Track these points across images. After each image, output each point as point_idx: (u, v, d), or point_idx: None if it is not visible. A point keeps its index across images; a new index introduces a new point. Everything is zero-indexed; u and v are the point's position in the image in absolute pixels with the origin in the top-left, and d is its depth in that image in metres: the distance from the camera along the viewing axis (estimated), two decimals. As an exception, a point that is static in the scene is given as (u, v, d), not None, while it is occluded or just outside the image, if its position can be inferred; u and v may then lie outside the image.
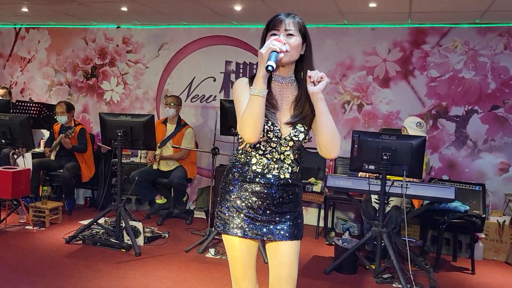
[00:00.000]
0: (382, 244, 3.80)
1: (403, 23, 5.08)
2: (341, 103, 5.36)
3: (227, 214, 1.93)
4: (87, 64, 6.36)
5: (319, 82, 1.79)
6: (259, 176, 1.90)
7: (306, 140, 1.92)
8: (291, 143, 1.88)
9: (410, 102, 5.13)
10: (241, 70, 5.72)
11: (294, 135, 1.87)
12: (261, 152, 1.90)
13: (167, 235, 4.65)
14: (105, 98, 6.29)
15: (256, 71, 1.78)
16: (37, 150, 5.77)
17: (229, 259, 1.98)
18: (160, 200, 5.39)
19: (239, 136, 1.88)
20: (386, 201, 4.19)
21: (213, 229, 4.39)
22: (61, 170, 5.32)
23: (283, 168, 1.91)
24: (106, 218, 4.71)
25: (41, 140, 6.02)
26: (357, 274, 3.92)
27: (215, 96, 5.79)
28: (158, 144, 5.18)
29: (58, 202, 5.06)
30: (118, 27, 6.19)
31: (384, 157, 3.68)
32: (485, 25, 4.85)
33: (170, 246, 4.38)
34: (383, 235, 3.72)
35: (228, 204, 1.94)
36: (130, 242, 4.17)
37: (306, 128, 1.90)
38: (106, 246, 4.20)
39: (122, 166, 4.58)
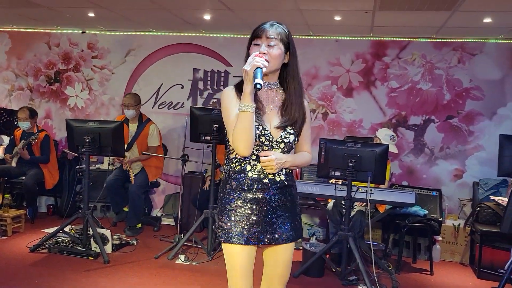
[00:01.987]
0: (348, 248, 3.96)
1: (365, 36, 5.31)
2: (307, 111, 5.52)
3: (229, 224, 1.95)
4: (50, 69, 6.23)
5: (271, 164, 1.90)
6: (256, 182, 1.95)
7: (296, 142, 2.01)
8: (282, 145, 1.96)
9: (372, 111, 5.36)
10: (209, 78, 5.78)
11: (285, 137, 1.96)
12: (254, 158, 1.96)
13: (135, 242, 4.63)
14: (69, 104, 6.18)
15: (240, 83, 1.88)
16: (-4, 157, 5.59)
17: (228, 266, 1.99)
18: (127, 208, 5.33)
19: (230, 147, 1.97)
20: (351, 206, 4.37)
21: (182, 235, 4.42)
22: (23, 177, 5.17)
23: (278, 171, 1.97)
24: (71, 226, 4.62)
25: (1, 147, 5.83)
26: (324, 277, 4.05)
27: (183, 103, 5.82)
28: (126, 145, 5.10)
29: (21, 210, 4.92)
30: (83, 32, 6.11)
31: (350, 164, 3.84)
32: (441, 40, 5.16)
33: (139, 253, 4.36)
34: (349, 238, 3.88)
35: (229, 214, 1.96)
36: (98, 250, 4.13)
37: (296, 130, 1.99)
38: (73, 254, 4.13)
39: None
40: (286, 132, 1.96)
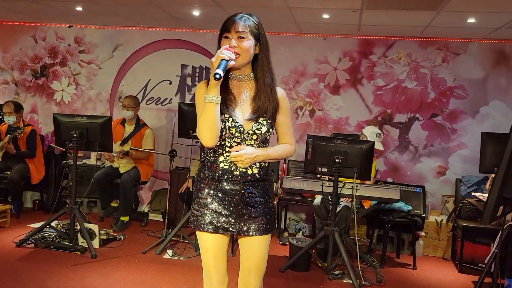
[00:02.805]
0: (334, 242, 4.02)
1: (352, 34, 5.38)
2: (294, 108, 5.58)
3: (199, 211, 2.02)
4: (36, 63, 6.17)
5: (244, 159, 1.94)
6: (227, 173, 1.98)
7: (270, 133, 2.02)
8: (254, 137, 1.98)
9: (358, 109, 5.44)
10: (197, 74, 5.80)
11: (257, 129, 1.97)
12: (227, 149, 1.99)
13: (122, 237, 4.64)
14: (55, 99, 6.13)
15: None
16: (-19, 151, 5.52)
17: (201, 251, 2.07)
18: (114, 203, 5.33)
19: None
20: (337, 202, 4.45)
21: (169, 230, 4.44)
22: (8, 172, 5.13)
23: (251, 164, 1.99)
24: (57, 221, 4.60)
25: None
26: (310, 272, 4.11)
27: (171, 99, 5.83)
28: (120, 142, 5.15)
29: (6, 205, 4.89)
30: (70, 26, 6.06)
31: (337, 160, 3.91)
32: (426, 39, 5.25)
33: (126, 248, 4.38)
34: (335, 233, 3.95)
35: (200, 202, 2.02)
36: (85, 245, 4.13)
37: (269, 121, 2.00)
38: (60, 249, 4.13)
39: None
40: (258, 123, 1.97)
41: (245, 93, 2.02)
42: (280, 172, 5.46)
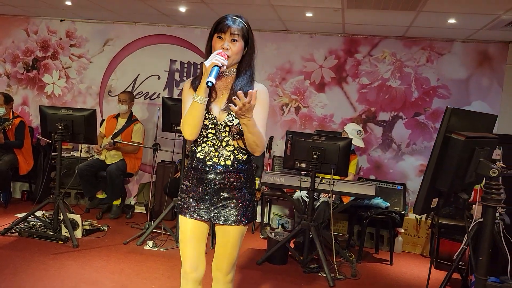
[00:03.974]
0: (310, 237, 4.11)
1: (338, 33, 5.45)
2: (280, 105, 5.66)
3: (181, 198, 2.16)
4: (28, 56, 6.26)
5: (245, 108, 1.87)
6: (201, 163, 2.09)
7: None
8: (227, 128, 2.05)
9: (343, 107, 5.52)
10: (185, 69, 5.88)
11: (229, 121, 2.04)
12: (205, 140, 2.09)
13: (106, 228, 4.73)
14: (46, 91, 6.22)
15: (199, 74, 2.02)
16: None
17: (179, 236, 2.18)
18: (100, 195, 5.42)
19: None
20: (316, 197, 4.53)
21: (152, 222, 4.53)
22: (-3, 163, 5.23)
23: (224, 156, 2.07)
24: (43, 212, 4.70)
25: (-24, 132, 5.85)
26: (287, 265, 4.20)
27: (159, 93, 5.91)
28: (110, 136, 5.27)
29: (-7, 194, 4.99)
30: (62, 20, 6.14)
31: (314, 156, 3.99)
32: (410, 39, 5.32)
33: (108, 239, 4.47)
34: (311, 228, 4.03)
35: (182, 188, 2.17)
36: (68, 235, 4.22)
37: None
38: (43, 238, 4.22)
39: (62, 160, 4.60)
40: (230, 115, 2.03)
41: (226, 87, 2.10)
42: (265, 168, 5.53)
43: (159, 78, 5.93)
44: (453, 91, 5.28)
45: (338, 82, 5.54)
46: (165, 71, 5.92)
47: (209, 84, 1.88)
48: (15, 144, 5.30)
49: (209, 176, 2.08)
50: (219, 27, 2.02)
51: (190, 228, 2.13)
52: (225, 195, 2.10)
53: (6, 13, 6.17)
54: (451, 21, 4.44)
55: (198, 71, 5.83)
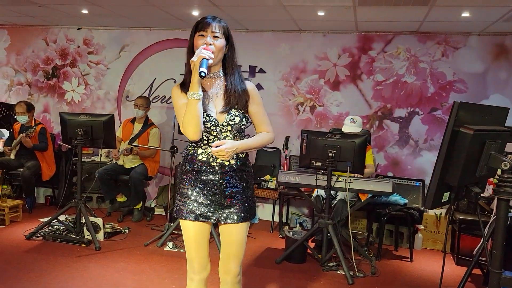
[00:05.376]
0: (329, 235, 4.12)
1: (351, 31, 5.44)
2: (295, 104, 5.68)
3: (181, 201, 2.17)
4: (48, 64, 6.43)
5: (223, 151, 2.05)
6: (205, 165, 2.12)
7: (243, 123, 2.15)
8: (229, 128, 2.11)
9: (358, 104, 5.50)
10: (200, 72, 5.93)
11: (230, 120, 2.10)
12: (205, 142, 2.12)
13: (127, 230, 4.82)
14: (66, 98, 6.37)
15: (185, 77, 2.10)
16: (-4, 149, 5.80)
17: (184, 239, 2.21)
18: (120, 199, 5.54)
19: None
20: (333, 196, 4.54)
21: (171, 224, 4.60)
22: (21, 169, 5.38)
23: (232, 156, 2.11)
24: (66, 216, 4.82)
25: (1, 140, 6.04)
26: (306, 263, 4.22)
27: (175, 97, 5.98)
28: (127, 141, 5.38)
29: (18, 200, 5.13)
30: (79, 29, 6.29)
31: (330, 154, 4.00)
32: (424, 34, 5.27)
33: (129, 241, 4.56)
34: (329, 226, 4.04)
35: (182, 192, 2.18)
36: (90, 238, 4.32)
37: (241, 111, 2.13)
38: (66, 242, 4.34)
39: (83, 165, 4.73)
40: (230, 114, 2.10)
41: (217, 88, 2.16)
42: (281, 167, 5.56)
43: (175, 81, 6.01)
44: (470, 85, 5.22)
45: (352, 79, 5.53)
46: (180, 74, 5.99)
47: (202, 74, 1.92)
48: (41, 147, 5.45)
49: (215, 177, 2.12)
50: (200, 26, 2.08)
51: (194, 231, 2.15)
52: (231, 194, 2.14)
53: (26, 24, 6.35)
54: (465, 14, 4.40)
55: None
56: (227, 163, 2.12)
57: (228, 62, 2.16)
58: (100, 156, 5.39)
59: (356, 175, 4.17)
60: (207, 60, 1.98)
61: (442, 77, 5.28)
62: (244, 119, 2.15)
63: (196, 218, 2.13)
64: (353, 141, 4.06)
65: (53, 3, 5.02)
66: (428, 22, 4.78)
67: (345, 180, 4.06)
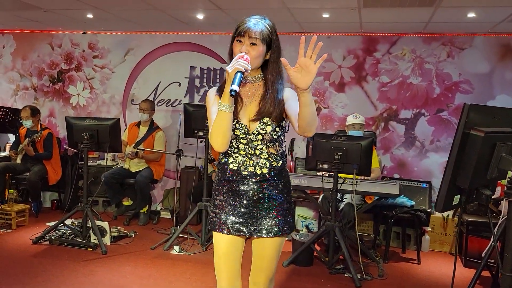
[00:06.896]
0: (336, 238, 4.10)
1: (356, 32, 5.43)
2: (300, 107, 5.66)
3: (214, 213, 2.07)
4: (53, 69, 6.45)
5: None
6: (236, 174, 1.99)
7: (276, 133, 1.98)
8: (260, 137, 1.97)
9: (364, 106, 5.48)
10: (205, 76, 5.95)
11: (261, 129, 1.96)
12: (236, 151, 2.01)
13: (133, 234, 4.82)
14: (71, 103, 6.39)
15: (222, 83, 1.96)
16: (2, 154, 5.83)
17: (214, 252, 2.08)
18: (126, 202, 5.54)
19: None
20: (340, 198, 4.52)
21: (177, 228, 4.60)
22: (27, 173, 5.40)
23: (260, 164, 1.98)
24: (73, 220, 4.83)
25: (7, 144, 6.07)
26: (313, 267, 4.20)
27: (180, 100, 6.00)
28: (133, 145, 5.38)
29: (25, 204, 5.15)
30: (84, 33, 6.31)
31: (336, 157, 3.98)
32: (430, 35, 5.25)
33: (136, 245, 4.56)
34: (336, 229, 4.02)
35: (215, 203, 2.07)
36: (96, 242, 4.32)
37: (274, 121, 1.97)
38: (73, 246, 4.34)
39: (89, 169, 4.73)
40: (262, 123, 1.96)
41: (253, 94, 2.02)
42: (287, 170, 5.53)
43: (180, 85, 6.02)
44: (476, 86, 5.19)
45: (357, 81, 5.52)
46: (185, 78, 6.01)
47: (232, 93, 1.78)
48: (44, 156, 5.47)
49: (246, 187, 1.99)
50: (238, 30, 1.93)
51: (226, 245, 2.03)
52: (264, 205, 2.01)
53: (31, 29, 6.38)
54: (471, 15, 4.38)
55: (218, 76, 5.89)
56: (258, 171, 1.98)
57: (268, 68, 2.00)
58: (106, 160, 5.40)
59: (363, 177, 4.16)
60: (242, 73, 1.82)
61: (448, 78, 5.26)
62: (277, 129, 1.99)
63: (229, 231, 2.01)
64: (359, 143, 4.04)
65: (58, 8, 5.04)
66: (433, 23, 4.76)
67: (352, 182, 4.04)
